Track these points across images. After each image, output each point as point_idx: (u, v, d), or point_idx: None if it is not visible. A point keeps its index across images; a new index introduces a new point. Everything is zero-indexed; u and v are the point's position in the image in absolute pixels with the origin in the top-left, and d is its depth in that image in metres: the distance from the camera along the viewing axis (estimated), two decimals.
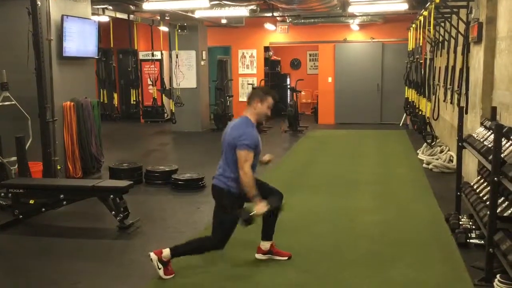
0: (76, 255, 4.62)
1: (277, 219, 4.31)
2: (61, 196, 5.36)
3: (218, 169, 4.13)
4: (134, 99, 11.54)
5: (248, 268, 4.22)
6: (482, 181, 4.75)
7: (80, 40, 7.49)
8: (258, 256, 4.34)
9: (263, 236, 4.33)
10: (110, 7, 9.90)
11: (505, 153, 3.90)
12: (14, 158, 6.17)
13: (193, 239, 4.20)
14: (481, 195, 4.54)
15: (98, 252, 4.70)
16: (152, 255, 3.98)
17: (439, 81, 9.34)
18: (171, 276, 3.99)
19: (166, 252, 3.99)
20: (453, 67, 7.65)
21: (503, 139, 3.94)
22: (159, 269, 3.97)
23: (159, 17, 11.35)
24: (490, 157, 3.93)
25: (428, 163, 8.09)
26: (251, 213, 3.89)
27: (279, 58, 16.95)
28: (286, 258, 4.33)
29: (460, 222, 4.91)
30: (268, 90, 4.30)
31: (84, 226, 5.49)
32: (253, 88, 4.17)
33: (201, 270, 4.17)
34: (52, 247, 4.84)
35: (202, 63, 13.13)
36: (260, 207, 3.91)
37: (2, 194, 5.65)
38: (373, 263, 4.30)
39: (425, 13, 8.12)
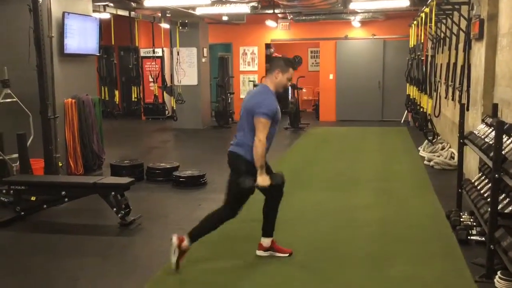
0: (77, 252, 4.63)
1: (277, 215, 4.31)
2: (63, 193, 5.37)
3: (235, 137, 4.13)
4: (135, 96, 11.55)
5: (248, 264, 4.23)
6: (483, 178, 4.75)
7: (81, 37, 7.49)
8: (259, 252, 4.35)
9: (263, 233, 4.33)
10: (111, 4, 9.90)
11: (506, 150, 3.90)
12: (15, 155, 6.18)
13: (206, 216, 4.17)
14: (482, 192, 4.55)
15: (100, 248, 4.71)
16: (174, 239, 4.00)
17: (440, 78, 9.32)
18: (177, 268, 4.00)
19: (186, 241, 4.01)
20: (455, 64, 7.64)
21: (504, 136, 3.93)
22: (174, 254, 3.99)
23: (160, 14, 11.34)
24: (491, 154, 3.93)
25: (429, 160, 8.09)
26: (254, 183, 3.92)
27: (280, 55, 16.94)
28: (287, 254, 4.33)
29: (461, 219, 4.91)
30: (290, 60, 4.26)
31: (86, 223, 5.50)
32: (276, 57, 4.18)
33: (201, 267, 4.18)
34: (54, 243, 4.85)
35: (203, 60, 13.12)
36: (263, 179, 3.93)
37: (4, 191, 5.66)
38: (374, 259, 4.31)
39: (427, 9, 8.12)
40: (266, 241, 4.32)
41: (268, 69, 4.18)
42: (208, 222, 4.14)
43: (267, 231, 4.32)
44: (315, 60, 17.01)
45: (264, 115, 3.92)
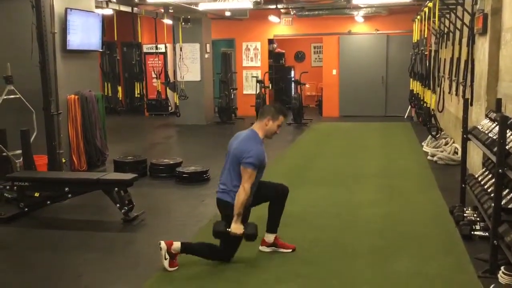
0: (81, 248, 4.64)
1: (282, 212, 4.32)
2: (66, 189, 5.38)
3: (221, 182, 4.14)
4: (138, 92, 11.55)
5: (252, 260, 4.23)
6: (486, 173, 4.74)
7: (84, 33, 7.48)
8: (262, 248, 4.35)
9: (267, 229, 4.33)
10: (114, 0, 9.89)
11: (510, 145, 3.89)
12: (19, 151, 6.19)
13: (205, 243, 4.18)
14: (485, 187, 4.53)
15: (103, 244, 4.72)
16: (162, 244, 4.00)
17: (444, 73, 9.29)
18: (175, 268, 4.01)
19: (177, 245, 4.01)
20: (458, 59, 7.61)
21: (508, 131, 3.92)
22: (165, 259, 3.99)
23: (163, 10, 11.33)
24: (495, 149, 3.91)
25: (433, 155, 8.07)
26: (225, 229, 3.94)
27: (283, 51, 16.91)
28: (290, 250, 4.33)
29: (465, 214, 4.90)
30: (281, 108, 4.26)
31: (89, 219, 5.51)
32: (267, 105, 4.20)
33: (205, 262, 4.18)
34: (57, 239, 4.86)
35: (206, 56, 13.11)
36: (236, 227, 3.93)
37: (8, 187, 5.68)
38: (377, 255, 4.30)
39: (430, 4, 8.09)
40: (269, 237, 4.32)
41: (259, 116, 4.17)
42: (205, 252, 4.13)
43: (272, 227, 4.32)
44: (318, 56, 16.98)
45: (251, 165, 3.91)
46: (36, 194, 5.54)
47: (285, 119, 4.22)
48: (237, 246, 4.11)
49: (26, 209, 5.44)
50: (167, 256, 3.99)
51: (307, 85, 15.77)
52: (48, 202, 5.53)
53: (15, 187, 5.48)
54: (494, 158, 3.95)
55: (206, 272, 4.03)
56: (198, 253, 4.13)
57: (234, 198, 3.97)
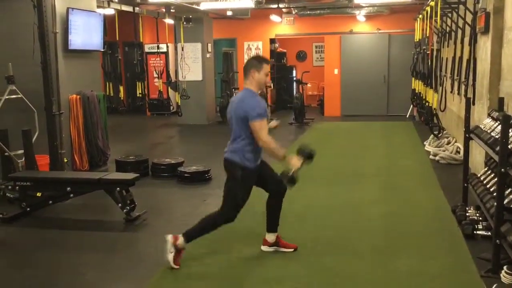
0: (83, 247, 4.64)
1: (280, 209, 4.30)
2: (68, 188, 5.39)
3: (229, 144, 4.13)
4: (140, 92, 11.56)
5: (253, 259, 4.23)
6: (489, 172, 4.72)
7: (86, 33, 7.49)
8: (264, 248, 4.35)
9: (268, 228, 4.33)
10: (116, 0, 9.89)
11: None
12: (21, 151, 6.20)
13: (203, 218, 4.16)
14: (488, 186, 4.52)
15: (105, 244, 4.73)
16: (169, 238, 4.00)
17: (446, 72, 9.28)
18: (177, 267, 4.00)
19: (181, 240, 4.00)
20: (460, 58, 7.59)
21: (510, 130, 3.90)
22: (170, 253, 3.98)
23: (164, 10, 11.32)
24: (497, 148, 3.91)
25: (435, 155, 8.06)
26: (291, 173, 3.95)
27: (285, 50, 16.89)
28: (292, 250, 4.33)
29: (467, 214, 4.89)
30: (261, 57, 4.28)
31: (91, 219, 5.51)
32: (248, 60, 4.18)
33: (207, 261, 4.18)
34: (59, 239, 4.87)
35: (208, 55, 13.11)
36: (294, 162, 3.97)
37: (10, 187, 5.69)
38: (379, 254, 4.30)
39: (432, 3, 8.07)
40: (271, 237, 4.32)
41: (244, 74, 4.12)
42: (207, 224, 4.12)
43: (272, 226, 4.32)
44: (320, 55, 16.96)
45: (259, 117, 3.91)
46: (38, 194, 5.55)
47: (268, 65, 4.13)
48: (244, 203, 4.07)
49: (28, 209, 5.45)
50: (172, 250, 3.98)
51: (308, 85, 15.76)
52: (50, 202, 5.53)
53: (17, 187, 5.47)
54: (496, 157, 3.94)
55: (206, 271, 4.03)
56: (202, 230, 4.10)
57: (242, 158, 3.99)
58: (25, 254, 4.53)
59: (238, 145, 4.03)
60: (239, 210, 4.08)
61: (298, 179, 4.00)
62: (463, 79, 7.43)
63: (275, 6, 11.60)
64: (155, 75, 12.86)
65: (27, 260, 4.38)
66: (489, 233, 4.36)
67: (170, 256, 3.98)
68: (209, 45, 13.23)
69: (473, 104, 6.57)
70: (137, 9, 10.77)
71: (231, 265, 4.13)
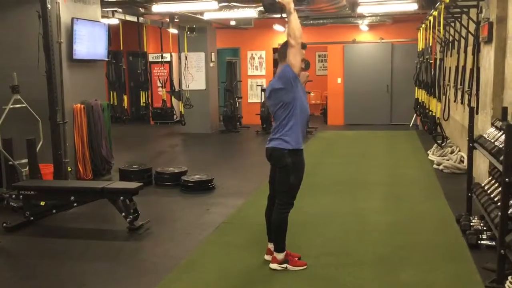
0: (86, 257, 4.64)
1: (287, 227, 4.21)
2: (72, 198, 5.39)
3: (272, 132, 4.14)
4: (144, 101, 11.62)
5: (257, 269, 4.21)
6: (493, 182, 4.71)
7: (90, 42, 7.53)
8: (268, 257, 4.33)
9: (269, 238, 4.33)
10: (120, 10, 9.96)
11: None
12: (25, 160, 6.22)
13: (271, 220, 4.18)
14: (492, 196, 4.50)
15: (108, 253, 4.72)
16: (273, 266, 4.10)
17: (449, 81, 9.28)
18: (304, 267, 4.11)
19: (278, 255, 4.09)
20: (463, 67, 7.60)
21: None
22: (288, 267, 4.09)
23: (168, 20, 11.39)
24: (501, 157, 3.90)
25: (439, 164, 8.04)
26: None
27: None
28: (304, 267, 4.26)
29: (471, 223, 4.87)
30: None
31: (95, 228, 5.51)
32: (281, 45, 4.25)
33: (212, 268, 4.17)
34: (63, 248, 4.87)
35: (211, 64, 13.16)
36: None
37: (14, 196, 5.70)
38: (383, 264, 4.28)
39: (435, 13, 8.09)
40: (279, 256, 4.17)
41: (279, 58, 4.15)
42: (280, 222, 4.11)
43: (280, 245, 4.16)
44: (323, 64, 17.00)
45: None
46: (42, 203, 5.56)
47: (304, 50, 4.29)
48: (299, 187, 4.14)
49: (32, 218, 5.46)
50: (285, 265, 4.08)
51: (312, 94, 15.78)
52: (54, 211, 5.54)
53: (21, 196, 5.49)
54: (500, 167, 3.93)
55: (213, 281, 4.02)
56: (281, 231, 4.11)
57: (284, 143, 3.99)
58: (28, 263, 4.53)
59: (280, 131, 4.04)
60: (296, 195, 4.15)
61: (275, 10, 3.99)
62: (466, 88, 7.43)
63: (278, 16, 11.63)
64: (159, 84, 12.93)
65: (30, 269, 4.38)
66: (494, 243, 4.34)
67: (291, 267, 4.09)
68: (213, 54, 13.29)
69: (477, 113, 6.56)
70: (141, 19, 10.85)
71: (236, 275, 4.12)
